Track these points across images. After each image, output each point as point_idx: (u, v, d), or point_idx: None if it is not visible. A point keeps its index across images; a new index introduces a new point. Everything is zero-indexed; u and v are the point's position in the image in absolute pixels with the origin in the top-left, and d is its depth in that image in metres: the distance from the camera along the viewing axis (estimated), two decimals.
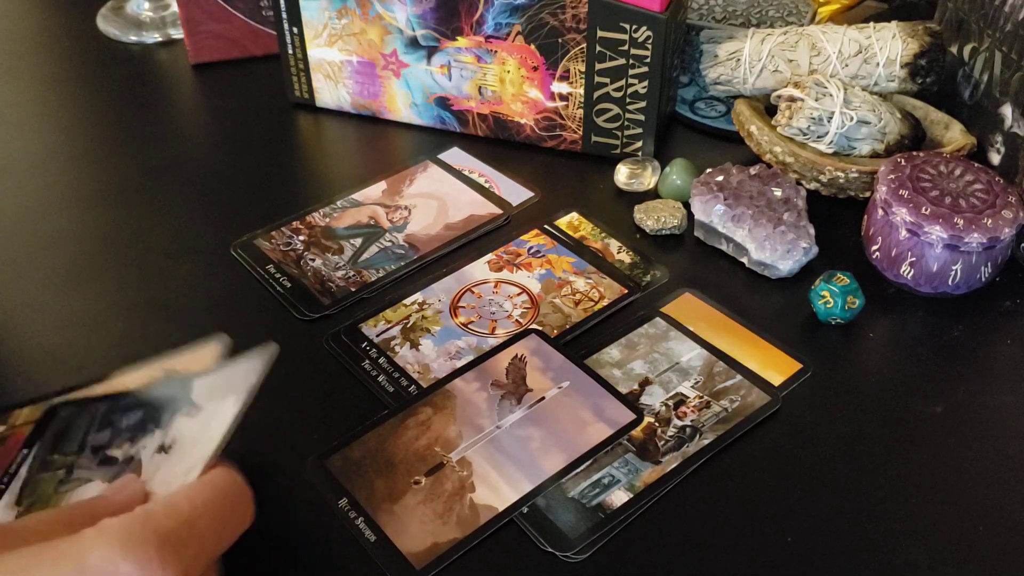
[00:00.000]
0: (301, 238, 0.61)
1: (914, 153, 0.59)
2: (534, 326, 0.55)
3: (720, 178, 0.61)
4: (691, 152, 0.68)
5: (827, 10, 0.82)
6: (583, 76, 0.65)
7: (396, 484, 0.46)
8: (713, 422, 0.49)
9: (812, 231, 0.58)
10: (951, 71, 0.68)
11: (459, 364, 0.52)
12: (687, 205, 0.63)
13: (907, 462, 0.48)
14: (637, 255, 0.60)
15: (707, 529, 0.45)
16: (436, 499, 0.45)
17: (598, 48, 0.64)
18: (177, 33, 0.84)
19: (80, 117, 0.75)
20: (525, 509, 0.45)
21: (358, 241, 0.61)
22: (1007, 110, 0.61)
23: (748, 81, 0.67)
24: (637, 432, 0.48)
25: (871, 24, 0.66)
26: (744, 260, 0.59)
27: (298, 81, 0.73)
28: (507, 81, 0.67)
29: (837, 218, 0.63)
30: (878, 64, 0.65)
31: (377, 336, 0.54)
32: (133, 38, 0.84)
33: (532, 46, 0.65)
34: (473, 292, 0.57)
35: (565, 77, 0.66)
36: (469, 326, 0.55)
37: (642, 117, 0.66)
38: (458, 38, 0.67)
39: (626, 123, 0.67)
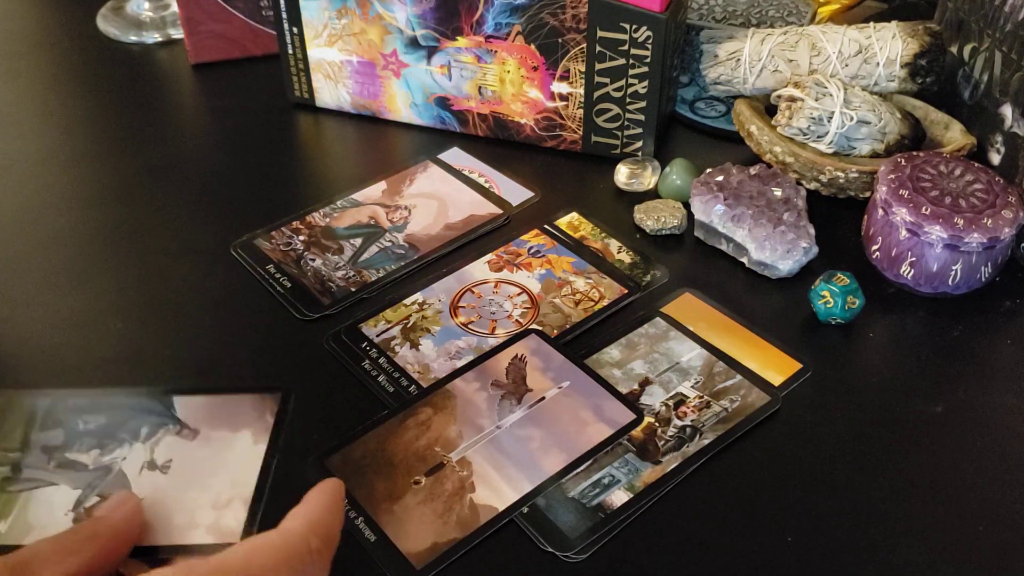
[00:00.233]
0: (301, 238, 0.61)
1: (914, 153, 0.59)
2: (534, 326, 0.55)
3: (720, 178, 0.61)
4: (691, 152, 0.68)
5: (827, 10, 0.82)
6: (583, 76, 0.65)
7: (396, 484, 0.46)
8: (713, 422, 0.49)
9: (812, 231, 0.58)
10: (951, 71, 0.68)
11: (459, 364, 0.52)
12: (687, 205, 0.63)
13: (907, 462, 0.48)
14: (637, 255, 0.60)
15: (707, 529, 0.45)
16: (436, 499, 0.45)
17: (598, 48, 0.64)
18: (177, 33, 0.84)
19: (80, 117, 0.75)
20: (525, 509, 0.45)
21: (358, 241, 0.61)
22: (1007, 110, 0.61)
23: (748, 81, 0.67)
24: (637, 432, 0.48)
25: (871, 24, 0.66)
26: (744, 260, 0.59)
27: (298, 81, 0.73)
28: (507, 81, 0.67)
29: (837, 218, 0.63)
30: (878, 64, 0.65)
31: (377, 336, 0.54)
32: (133, 38, 0.84)
33: (532, 46, 0.65)
34: (473, 292, 0.57)
35: (565, 77, 0.66)
36: (469, 326, 0.55)
37: (642, 117, 0.66)
38: (458, 38, 0.67)
39: (626, 123, 0.67)
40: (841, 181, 0.62)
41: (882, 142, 0.63)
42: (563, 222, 0.63)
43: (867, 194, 0.62)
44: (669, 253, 0.61)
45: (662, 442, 0.48)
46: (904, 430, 0.49)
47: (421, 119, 0.72)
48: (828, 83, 0.62)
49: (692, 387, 0.51)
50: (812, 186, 0.63)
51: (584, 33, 0.64)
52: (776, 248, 0.57)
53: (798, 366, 0.53)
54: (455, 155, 0.69)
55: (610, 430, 0.48)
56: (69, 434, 0.41)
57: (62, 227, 0.63)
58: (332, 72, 0.72)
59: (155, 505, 0.39)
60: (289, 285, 0.58)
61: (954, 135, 0.64)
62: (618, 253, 0.60)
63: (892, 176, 0.57)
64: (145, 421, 0.41)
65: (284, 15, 0.70)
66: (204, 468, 0.41)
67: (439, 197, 0.65)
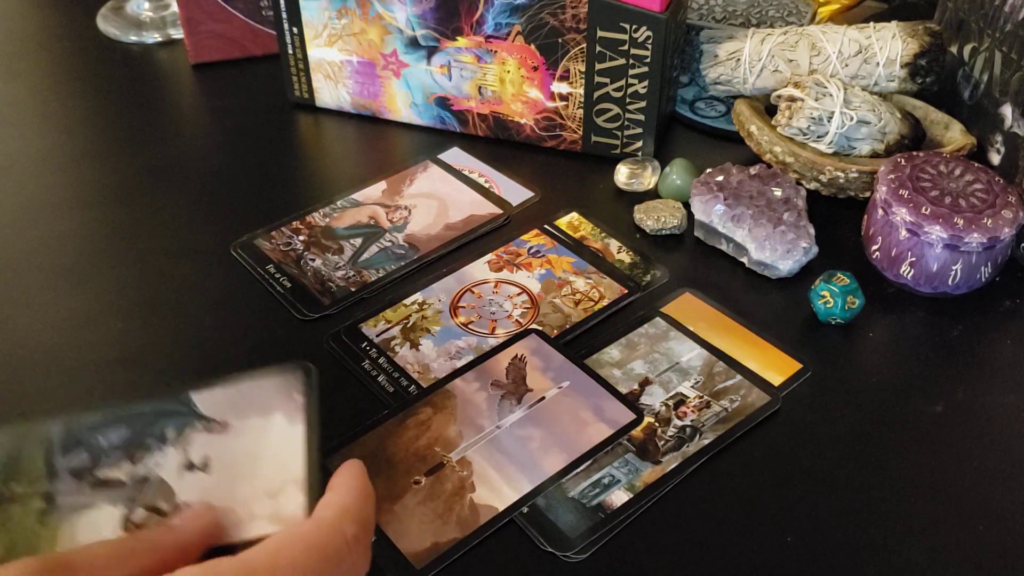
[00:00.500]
0: (301, 238, 0.61)
1: (914, 153, 0.59)
2: (534, 326, 0.55)
3: (720, 178, 0.61)
4: (691, 152, 0.68)
5: (827, 10, 0.82)
6: (583, 76, 0.65)
7: (396, 484, 0.46)
8: (713, 422, 0.49)
9: (812, 231, 0.58)
10: (951, 71, 0.68)
11: (459, 364, 0.52)
12: (687, 205, 0.63)
13: (907, 462, 0.48)
14: (637, 255, 0.60)
15: (707, 529, 0.45)
16: (436, 499, 0.45)
17: (598, 48, 0.64)
18: (177, 33, 0.84)
19: (80, 117, 0.75)
20: (525, 509, 0.45)
21: (358, 241, 0.61)
22: (1007, 110, 0.61)
23: (748, 81, 0.67)
24: (637, 432, 0.48)
25: (871, 24, 0.66)
26: (744, 260, 0.59)
27: (298, 81, 0.73)
28: (507, 81, 0.67)
29: (837, 218, 0.63)
30: (878, 64, 0.65)
31: (377, 336, 0.54)
32: (133, 38, 0.84)
33: (532, 46, 0.65)
34: (473, 292, 0.57)
35: (565, 77, 0.66)
36: (469, 326, 0.55)
37: (642, 117, 0.66)
38: (458, 38, 0.67)
39: (626, 123, 0.67)
40: (841, 181, 0.62)
41: (882, 142, 0.63)
42: (563, 222, 0.63)
43: (867, 194, 0.62)
44: (669, 253, 0.61)
45: (662, 442, 0.48)
46: (904, 430, 0.49)
47: (421, 119, 0.72)
48: (828, 83, 0.62)
49: (692, 387, 0.51)
50: (812, 186, 0.63)
51: (584, 33, 0.64)
52: (776, 248, 0.57)
53: (798, 366, 0.53)
54: (455, 155, 0.69)
55: (610, 430, 0.48)
56: (94, 453, 0.40)
57: (62, 227, 0.63)
58: (332, 72, 0.72)
59: (221, 502, 0.38)
60: (289, 285, 0.58)
61: (954, 135, 0.64)
62: (618, 253, 0.60)
63: (892, 176, 0.57)
64: (168, 423, 0.40)
65: (284, 15, 0.70)
66: (246, 459, 0.39)
67: (439, 197, 0.65)
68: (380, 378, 0.52)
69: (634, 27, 0.62)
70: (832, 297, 0.54)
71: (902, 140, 0.64)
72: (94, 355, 0.53)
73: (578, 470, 0.47)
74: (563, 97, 0.67)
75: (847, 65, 0.65)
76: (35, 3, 0.91)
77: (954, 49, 0.68)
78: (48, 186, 0.67)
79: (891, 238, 0.56)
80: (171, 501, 0.38)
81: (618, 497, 0.45)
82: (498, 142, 0.71)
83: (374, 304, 0.57)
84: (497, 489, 0.46)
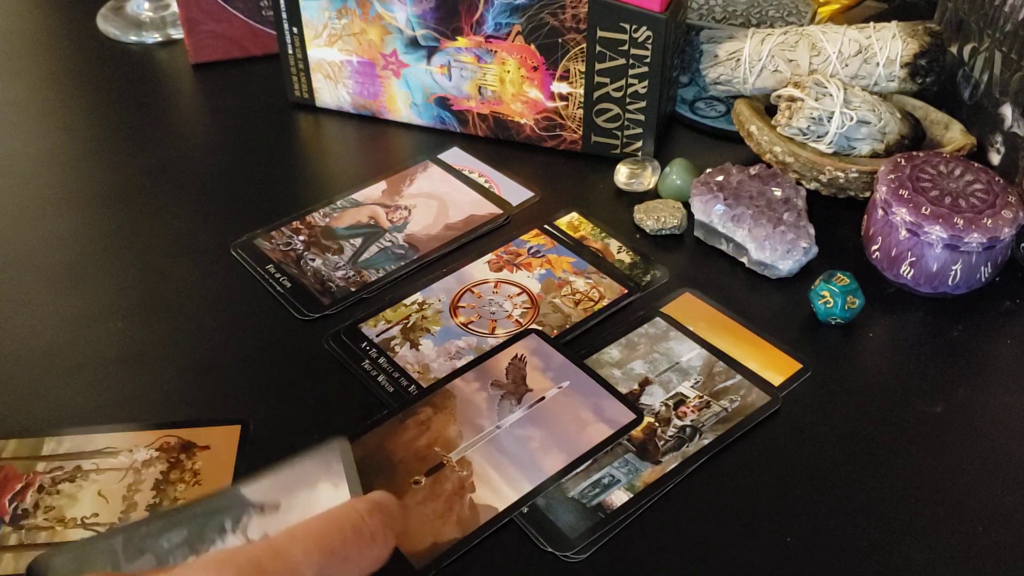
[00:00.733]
0: (301, 238, 0.61)
1: (914, 153, 0.59)
2: (534, 326, 0.55)
3: (720, 178, 0.61)
4: (691, 152, 0.68)
5: (827, 10, 0.82)
6: (583, 76, 0.65)
7: (396, 484, 0.46)
8: (713, 422, 0.49)
9: (812, 231, 0.58)
10: (951, 71, 0.68)
11: (459, 364, 0.52)
12: (687, 205, 0.63)
13: (907, 462, 0.48)
14: (637, 255, 0.60)
15: (707, 529, 0.45)
16: (436, 499, 0.45)
17: (598, 48, 0.64)
18: (177, 33, 0.84)
19: (80, 117, 0.75)
20: (525, 509, 0.45)
21: (358, 241, 0.61)
22: (1007, 110, 0.61)
23: (748, 81, 0.67)
24: (637, 432, 0.48)
25: (871, 24, 0.66)
26: (744, 260, 0.59)
27: (298, 81, 0.73)
28: (507, 81, 0.67)
29: (837, 218, 0.63)
30: (878, 64, 0.65)
31: (377, 336, 0.54)
32: (133, 38, 0.84)
33: (532, 46, 0.65)
34: (473, 292, 0.57)
35: (565, 77, 0.66)
36: (469, 326, 0.55)
37: (642, 117, 0.66)
38: (458, 38, 0.67)
39: (626, 123, 0.67)
40: (841, 181, 0.62)
41: (882, 142, 0.63)
42: (563, 222, 0.63)
43: (867, 194, 0.62)
44: (669, 253, 0.61)
45: (662, 442, 0.48)
46: (904, 430, 0.49)
47: (421, 119, 0.72)
48: (828, 83, 0.62)
49: (692, 387, 0.51)
50: (812, 186, 0.63)
51: (584, 33, 0.64)
52: (776, 248, 0.57)
53: (798, 366, 0.53)
54: (455, 155, 0.69)
55: (610, 430, 0.48)
56: (159, 555, 0.41)
57: (62, 227, 0.63)
58: (332, 72, 0.72)
59: None
60: (289, 285, 0.58)
61: (954, 135, 0.64)
62: (618, 253, 0.60)
63: (892, 176, 0.57)
64: (224, 517, 0.42)
65: (284, 15, 0.70)
66: None
67: (439, 197, 0.65)
68: (380, 378, 0.52)
69: (634, 27, 0.62)
70: (832, 297, 0.54)
71: (902, 140, 0.64)
72: (94, 355, 0.53)
73: (578, 470, 0.47)
74: (563, 97, 0.67)
75: (847, 65, 0.65)
76: (35, 3, 0.91)
77: (954, 49, 0.68)
78: (48, 186, 0.67)
79: (891, 238, 0.56)
80: None
81: (618, 497, 0.46)
82: (498, 142, 0.71)
83: (374, 304, 0.57)
84: (497, 489, 0.46)
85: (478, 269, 0.59)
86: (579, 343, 0.54)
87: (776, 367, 0.52)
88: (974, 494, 0.46)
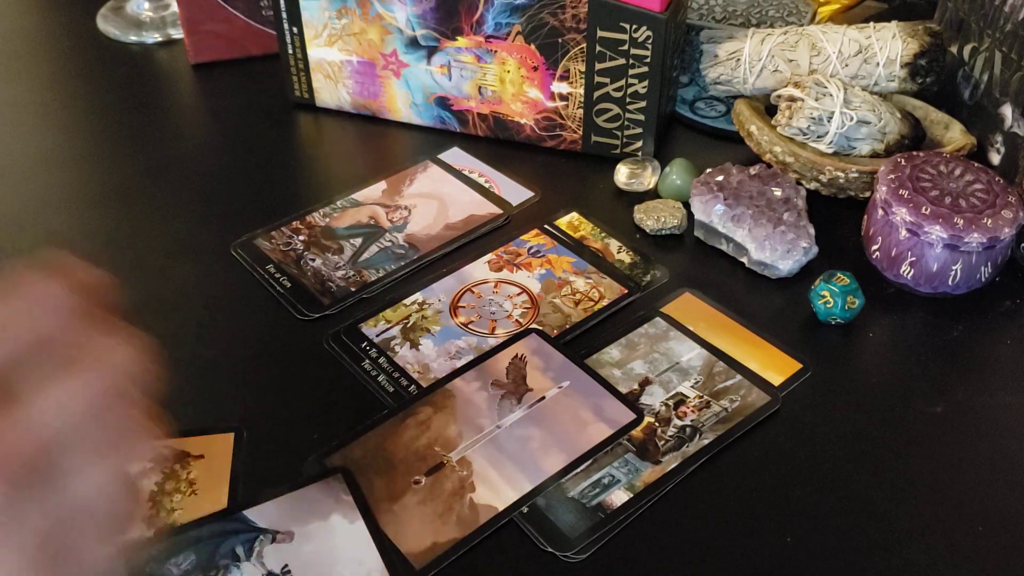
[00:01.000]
0: (301, 238, 0.61)
1: (914, 153, 0.59)
2: (534, 326, 0.55)
3: (720, 178, 0.61)
4: (691, 152, 0.68)
5: (827, 10, 0.82)
6: (583, 76, 0.65)
7: (396, 484, 0.46)
8: (713, 422, 0.49)
9: (812, 231, 0.58)
10: (951, 71, 0.68)
11: (459, 364, 0.52)
12: (687, 205, 0.63)
13: (907, 462, 0.48)
14: (637, 255, 0.60)
15: (707, 529, 0.45)
16: (436, 499, 0.45)
17: (598, 48, 0.64)
18: (177, 33, 0.84)
19: (80, 117, 0.75)
20: (525, 509, 0.45)
21: (358, 241, 0.61)
22: (1007, 110, 0.61)
23: (748, 81, 0.67)
24: (637, 432, 0.48)
25: (871, 24, 0.66)
26: (744, 260, 0.59)
27: (298, 81, 0.73)
28: (507, 81, 0.67)
29: (837, 218, 0.63)
30: (878, 64, 0.65)
31: (377, 336, 0.54)
32: (133, 38, 0.84)
33: (532, 46, 0.65)
34: (473, 292, 0.57)
35: (565, 77, 0.66)
36: (469, 326, 0.55)
37: (642, 117, 0.66)
38: (458, 38, 0.67)
39: (626, 123, 0.67)
40: (841, 181, 0.62)
41: (882, 142, 0.63)
42: (563, 222, 0.63)
43: (867, 194, 0.62)
44: (669, 253, 0.61)
45: (662, 442, 0.48)
46: (904, 430, 0.49)
47: (421, 119, 0.72)
48: (828, 83, 0.62)
49: (692, 387, 0.51)
50: (812, 186, 0.63)
51: (584, 33, 0.64)
52: (776, 248, 0.57)
53: (798, 366, 0.53)
54: (455, 155, 0.69)
55: (610, 430, 0.48)
56: None
57: (62, 227, 0.63)
58: (332, 72, 0.72)
59: None
60: (289, 285, 0.58)
61: (954, 135, 0.64)
62: (618, 253, 0.60)
63: (892, 176, 0.57)
64: (234, 542, 0.42)
65: (284, 15, 0.70)
66: (323, 561, 0.42)
67: (439, 197, 0.65)
68: (380, 378, 0.52)
69: (634, 27, 0.62)
70: (832, 297, 0.54)
71: (902, 140, 0.64)
72: None
73: (578, 470, 0.47)
74: (563, 97, 0.67)
75: (847, 65, 0.65)
76: (35, 3, 0.91)
77: (954, 49, 0.68)
78: (48, 186, 0.67)
79: (891, 238, 0.56)
80: None
81: (618, 497, 0.45)
82: (498, 142, 0.70)
83: (374, 304, 0.57)
84: (497, 489, 0.46)
85: (478, 269, 0.59)
86: (579, 343, 0.54)
87: (776, 367, 0.52)
88: (974, 494, 0.46)
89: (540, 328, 0.55)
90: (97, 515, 0.29)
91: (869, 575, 0.43)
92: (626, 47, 0.63)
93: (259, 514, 0.43)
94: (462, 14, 0.65)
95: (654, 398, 0.50)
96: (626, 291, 0.57)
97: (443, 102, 0.70)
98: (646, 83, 0.64)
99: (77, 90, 0.78)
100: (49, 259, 0.31)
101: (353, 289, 0.57)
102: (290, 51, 0.72)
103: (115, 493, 0.29)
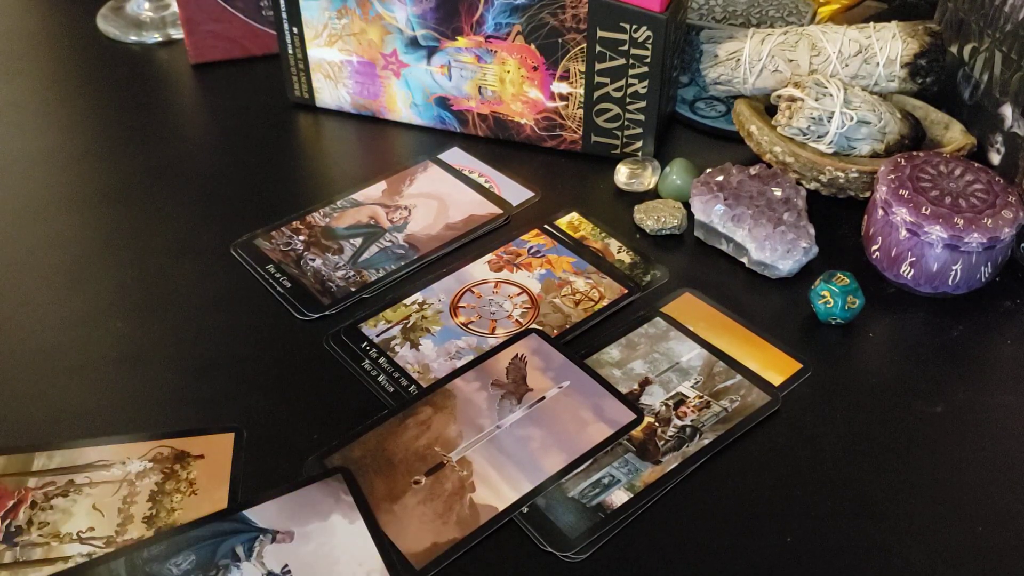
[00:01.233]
0: (301, 238, 0.61)
1: (914, 153, 0.59)
2: (534, 326, 0.55)
3: (720, 178, 0.61)
4: (691, 152, 0.68)
5: (827, 10, 0.82)
6: (583, 76, 0.65)
7: (396, 484, 0.46)
8: (713, 422, 0.49)
9: (812, 231, 0.58)
10: (951, 71, 0.68)
11: (459, 364, 0.52)
12: (687, 205, 0.63)
13: (907, 462, 0.48)
14: (637, 255, 0.60)
15: (707, 529, 0.45)
16: (436, 499, 0.45)
17: (598, 48, 0.64)
18: (177, 33, 0.84)
19: (80, 117, 0.75)
20: (525, 509, 0.45)
21: (358, 241, 0.61)
22: (1007, 110, 0.61)
23: (748, 81, 0.67)
24: (637, 432, 0.48)
25: (871, 24, 0.66)
26: (744, 260, 0.59)
27: (298, 81, 0.73)
28: (507, 81, 0.67)
29: (837, 218, 0.63)
30: (878, 64, 0.65)
31: (377, 336, 0.54)
32: (133, 38, 0.84)
33: (532, 46, 0.65)
34: (473, 292, 0.57)
35: (565, 77, 0.66)
36: (469, 326, 0.55)
37: (642, 117, 0.66)
38: (458, 38, 0.67)
39: (626, 123, 0.67)
40: (841, 181, 0.62)
41: (882, 142, 0.63)
42: (563, 222, 0.63)
43: (867, 194, 0.62)
44: (669, 253, 0.61)
45: (662, 442, 0.48)
46: (904, 430, 0.49)
47: (421, 119, 0.72)
48: (828, 83, 0.62)
49: (692, 387, 0.51)
50: (812, 186, 0.63)
51: (584, 33, 0.64)
52: (776, 248, 0.57)
53: (798, 366, 0.53)
54: (455, 155, 0.69)
55: (610, 430, 0.48)
56: None
57: (62, 227, 0.63)
58: (332, 72, 0.72)
59: None
60: (289, 285, 0.58)
61: (954, 135, 0.64)
62: (618, 253, 0.60)
63: (892, 176, 0.57)
64: (233, 542, 0.42)
65: (284, 15, 0.70)
66: (323, 561, 0.42)
67: (439, 197, 0.65)
68: (380, 378, 0.52)
69: (634, 27, 0.62)
70: (832, 297, 0.54)
71: (902, 140, 0.64)
72: (94, 355, 0.53)
73: (578, 470, 0.47)
74: (563, 97, 0.67)
75: (847, 65, 0.65)
76: (35, 3, 0.91)
77: (954, 49, 0.68)
78: (48, 186, 0.67)
79: (891, 238, 0.56)
80: None
81: (618, 497, 0.45)
82: (498, 142, 0.71)
83: (374, 304, 0.57)
84: (497, 489, 0.46)
85: (478, 269, 0.59)
86: (579, 343, 0.54)
87: (776, 367, 0.52)
88: (974, 494, 0.46)
89: (540, 328, 0.55)
90: None
91: (869, 575, 0.43)
92: (626, 47, 0.63)
93: (259, 514, 0.43)
94: (462, 14, 0.65)
95: (654, 398, 0.50)
96: (626, 291, 0.57)
97: (443, 102, 0.70)
98: (646, 83, 0.64)
99: (77, 90, 0.78)
100: None
101: (353, 289, 0.57)
102: (290, 51, 0.72)
103: None
